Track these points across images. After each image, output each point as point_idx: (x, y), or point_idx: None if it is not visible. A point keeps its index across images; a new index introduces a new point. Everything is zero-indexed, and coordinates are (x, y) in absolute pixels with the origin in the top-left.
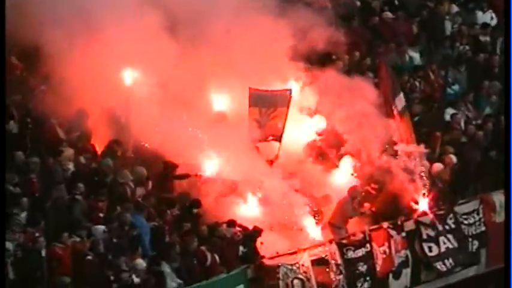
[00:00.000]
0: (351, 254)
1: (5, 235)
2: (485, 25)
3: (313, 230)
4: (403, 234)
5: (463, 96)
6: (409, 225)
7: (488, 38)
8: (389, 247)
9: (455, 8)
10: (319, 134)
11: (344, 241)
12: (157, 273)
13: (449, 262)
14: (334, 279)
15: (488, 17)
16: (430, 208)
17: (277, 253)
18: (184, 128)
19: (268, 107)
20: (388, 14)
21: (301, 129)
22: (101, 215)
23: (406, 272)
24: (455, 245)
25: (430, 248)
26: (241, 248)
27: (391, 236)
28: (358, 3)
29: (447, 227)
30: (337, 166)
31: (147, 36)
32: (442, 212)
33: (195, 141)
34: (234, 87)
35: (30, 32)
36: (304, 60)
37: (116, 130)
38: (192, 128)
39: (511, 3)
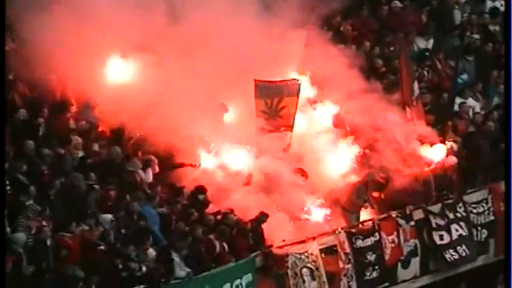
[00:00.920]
0: (359, 243)
1: (4, 229)
2: (494, 13)
3: (322, 219)
4: (412, 223)
5: (472, 86)
6: (418, 214)
7: (497, 28)
8: (398, 236)
9: None
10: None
11: (353, 230)
12: (167, 261)
13: (462, 249)
14: (342, 268)
15: (498, 4)
16: (439, 197)
17: (284, 241)
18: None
19: (274, 97)
20: (397, 3)
21: (310, 120)
22: (110, 203)
23: (415, 261)
24: (468, 232)
25: (441, 237)
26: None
27: (400, 225)
28: None
29: (458, 215)
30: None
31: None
32: (450, 201)
33: (199, 133)
34: (238, 80)
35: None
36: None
37: (123, 118)
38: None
39: None
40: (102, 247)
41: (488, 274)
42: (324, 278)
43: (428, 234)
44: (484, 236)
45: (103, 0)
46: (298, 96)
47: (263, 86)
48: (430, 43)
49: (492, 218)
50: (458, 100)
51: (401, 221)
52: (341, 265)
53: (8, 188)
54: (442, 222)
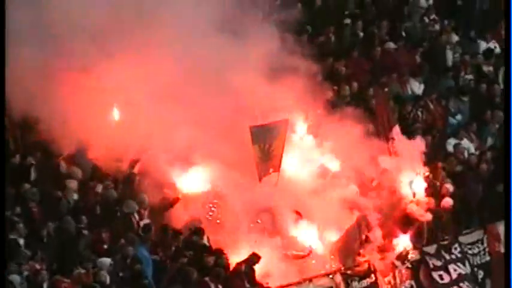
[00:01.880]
0: (355, 285)
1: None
2: (488, 54)
3: (319, 260)
4: (408, 264)
5: (466, 127)
6: (414, 255)
7: (491, 68)
8: (394, 278)
9: (455, 38)
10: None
11: (349, 272)
12: None
13: (465, 285)
14: None
15: (492, 46)
16: (435, 239)
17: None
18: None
19: (266, 141)
20: (391, 45)
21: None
22: (105, 246)
23: None
24: (468, 270)
25: (440, 276)
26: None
27: (396, 267)
28: (361, 34)
29: (453, 256)
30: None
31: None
32: (446, 242)
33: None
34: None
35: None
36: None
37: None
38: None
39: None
40: None
41: None
42: None
43: (427, 275)
44: (480, 276)
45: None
46: (285, 136)
47: (257, 130)
48: (424, 84)
49: (488, 258)
50: (453, 141)
51: (397, 263)
52: None
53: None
54: (439, 263)
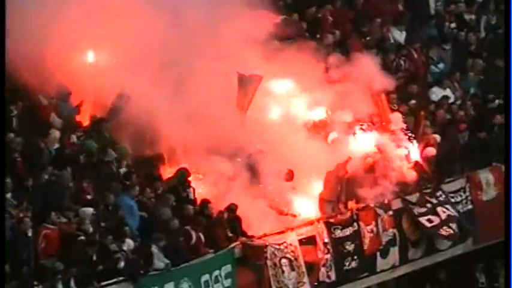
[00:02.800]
0: (338, 233)
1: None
2: (469, 2)
3: (301, 209)
4: (390, 212)
5: (450, 75)
6: (396, 203)
7: (473, 16)
8: (377, 226)
9: None
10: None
11: (331, 220)
12: (145, 253)
13: (455, 226)
14: (321, 258)
15: None
16: (418, 187)
17: (265, 234)
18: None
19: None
20: None
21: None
22: (89, 197)
23: (394, 251)
24: (456, 213)
25: (429, 220)
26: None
27: (379, 215)
28: None
29: (441, 199)
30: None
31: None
32: (429, 191)
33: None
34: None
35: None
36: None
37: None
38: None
39: None
40: (82, 237)
41: (467, 263)
42: (303, 268)
43: (413, 222)
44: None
45: None
46: (255, 90)
47: (241, 78)
48: (406, 32)
49: (470, 206)
50: (436, 90)
51: (380, 211)
52: (320, 255)
53: None
54: (423, 210)
